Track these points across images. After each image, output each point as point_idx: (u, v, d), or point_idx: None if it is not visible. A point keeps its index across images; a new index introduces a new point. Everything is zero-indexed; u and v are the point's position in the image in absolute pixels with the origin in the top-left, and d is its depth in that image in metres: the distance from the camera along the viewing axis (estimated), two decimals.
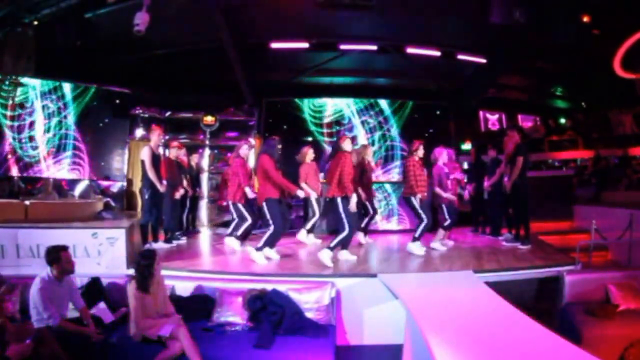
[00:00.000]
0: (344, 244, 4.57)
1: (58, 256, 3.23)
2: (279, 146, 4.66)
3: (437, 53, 7.69)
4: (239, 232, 5.38)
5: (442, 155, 5.34)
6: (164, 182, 5.14)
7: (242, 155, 5.37)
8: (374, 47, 7.65)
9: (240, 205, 5.24)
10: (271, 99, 8.71)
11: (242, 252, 5.05)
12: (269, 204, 4.53)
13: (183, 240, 5.74)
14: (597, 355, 2.21)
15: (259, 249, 4.52)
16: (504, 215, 6.01)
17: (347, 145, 4.58)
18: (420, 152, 4.99)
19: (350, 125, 8.31)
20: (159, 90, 8.61)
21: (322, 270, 4.15)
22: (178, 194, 5.64)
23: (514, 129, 5.52)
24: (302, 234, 5.85)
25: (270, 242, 4.59)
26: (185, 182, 5.95)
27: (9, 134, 7.09)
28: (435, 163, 5.35)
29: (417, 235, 4.97)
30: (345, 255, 4.62)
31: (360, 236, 5.72)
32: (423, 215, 4.91)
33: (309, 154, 5.77)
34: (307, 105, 8.49)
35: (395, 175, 8.21)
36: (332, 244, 4.40)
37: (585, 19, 6.29)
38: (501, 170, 5.74)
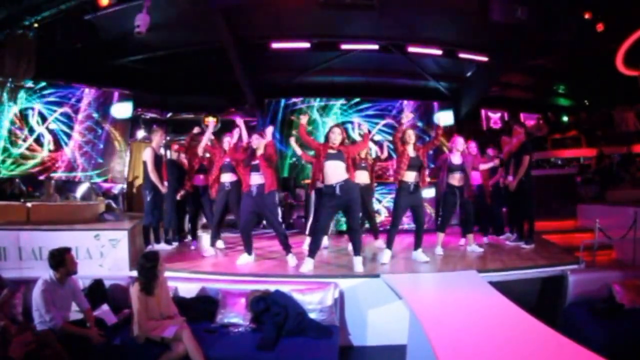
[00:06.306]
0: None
1: (63, 258, 3.24)
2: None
3: (439, 52, 7.66)
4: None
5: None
6: (166, 183, 5.13)
7: (224, 147, 5.15)
8: (375, 47, 7.63)
9: None
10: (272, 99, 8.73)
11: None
12: None
13: (179, 243, 5.71)
14: (601, 356, 2.20)
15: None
16: (507, 215, 5.98)
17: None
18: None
19: None
20: (160, 91, 8.62)
21: (325, 271, 4.14)
22: (179, 195, 5.63)
23: (522, 126, 5.44)
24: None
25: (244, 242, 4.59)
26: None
27: None
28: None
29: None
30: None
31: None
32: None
33: None
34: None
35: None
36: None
37: (587, 15, 6.25)
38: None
